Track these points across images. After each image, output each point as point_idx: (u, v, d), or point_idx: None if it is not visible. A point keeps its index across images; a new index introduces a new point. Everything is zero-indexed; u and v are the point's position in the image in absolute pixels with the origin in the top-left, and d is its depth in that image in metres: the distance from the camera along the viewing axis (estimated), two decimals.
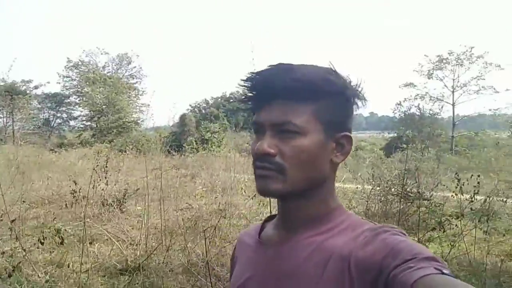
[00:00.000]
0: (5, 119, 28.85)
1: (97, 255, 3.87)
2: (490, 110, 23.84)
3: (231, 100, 39.71)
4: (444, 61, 24.32)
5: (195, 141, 19.30)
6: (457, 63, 23.99)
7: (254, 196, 6.65)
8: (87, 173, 8.32)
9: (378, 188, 6.59)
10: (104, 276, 3.40)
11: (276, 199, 0.70)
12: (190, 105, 40.10)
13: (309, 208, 0.66)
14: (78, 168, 10.59)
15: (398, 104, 25.45)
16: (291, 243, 0.66)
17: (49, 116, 32.57)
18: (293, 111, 0.62)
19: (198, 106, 40.53)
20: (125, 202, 5.75)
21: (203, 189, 8.09)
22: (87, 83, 29.79)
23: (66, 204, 5.48)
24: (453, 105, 25.12)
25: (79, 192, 4.93)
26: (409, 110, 25.07)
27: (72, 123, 32.84)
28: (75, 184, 4.76)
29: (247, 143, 22.52)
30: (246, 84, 0.65)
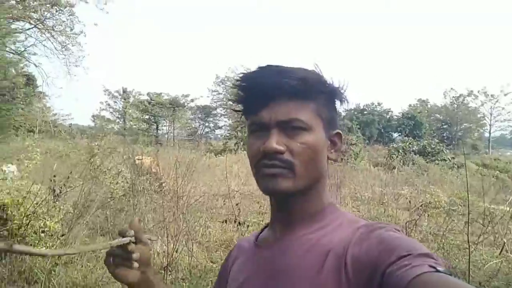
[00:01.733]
0: (167, 127, 34.90)
1: None
2: None
3: (365, 112, 39.13)
4: None
5: None
6: None
7: (414, 208, 6.88)
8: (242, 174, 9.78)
9: None
10: None
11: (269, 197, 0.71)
12: None
13: (306, 204, 0.68)
14: (235, 171, 12.34)
15: None
16: (286, 242, 0.67)
17: (199, 125, 37.92)
18: (297, 108, 0.64)
19: None
20: None
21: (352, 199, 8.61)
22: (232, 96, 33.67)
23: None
24: None
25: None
26: None
27: (217, 132, 37.69)
28: None
29: (384, 157, 21.99)
30: (245, 85, 0.66)
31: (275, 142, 0.62)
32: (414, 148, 22.50)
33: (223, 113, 36.25)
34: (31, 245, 3.09)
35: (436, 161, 21.28)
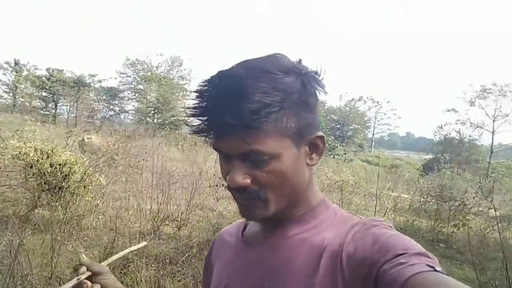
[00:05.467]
0: (68, 107, 32.87)
1: None
2: None
3: None
4: (487, 91, 26.09)
5: None
6: (500, 94, 25.68)
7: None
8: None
9: (420, 193, 8.97)
10: None
11: None
12: None
13: (292, 209, 0.67)
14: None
15: (440, 128, 27.43)
16: (277, 241, 0.66)
17: (103, 107, 36.47)
18: (256, 138, 0.57)
19: None
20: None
21: None
22: (144, 80, 33.45)
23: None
24: (493, 133, 26.71)
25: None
26: (449, 134, 27.01)
27: (123, 116, 36.77)
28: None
29: None
30: (197, 114, 0.59)
31: (240, 176, 0.60)
32: None
33: (130, 96, 35.65)
34: (75, 194, 4.17)
35: (332, 155, 25.12)
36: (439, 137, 27.73)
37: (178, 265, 3.92)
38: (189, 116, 0.60)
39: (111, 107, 36.47)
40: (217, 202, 6.07)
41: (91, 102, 34.16)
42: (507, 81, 26.73)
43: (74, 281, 0.72)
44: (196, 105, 0.59)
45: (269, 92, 0.57)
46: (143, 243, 0.86)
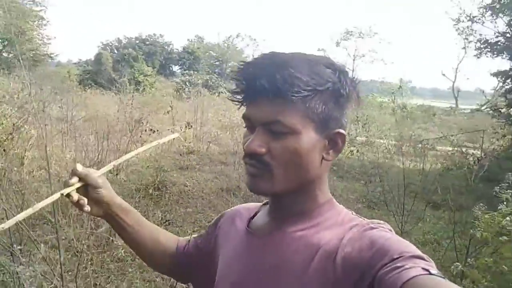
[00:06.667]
0: None
1: None
2: (378, 78, 30.75)
3: (148, 43, 39.91)
4: (350, 33, 29.74)
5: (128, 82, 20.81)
6: (359, 36, 29.62)
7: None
8: None
9: None
10: None
11: None
12: (101, 43, 39.26)
13: (296, 204, 0.68)
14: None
15: None
16: (278, 236, 0.68)
17: None
18: (282, 110, 0.61)
19: (110, 45, 39.78)
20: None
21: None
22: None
23: None
24: (353, 71, 30.99)
25: None
26: None
27: None
28: None
29: (174, 89, 24.54)
30: (236, 76, 0.64)
31: (256, 143, 0.63)
32: (199, 82, 26.13)
33: None
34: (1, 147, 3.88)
35: (216, 94, 25.81)
36: None
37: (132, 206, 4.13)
38: (235, 77, 0.65)
39: None
40: (135, 145, 6.14)
41: None
42: (366, 25, 30.65)
43: (56, 196, 0.70)
44: (239, 68, 0.65)
45: (306, 73, 0.61)
46: (176, 134, 0.82)
